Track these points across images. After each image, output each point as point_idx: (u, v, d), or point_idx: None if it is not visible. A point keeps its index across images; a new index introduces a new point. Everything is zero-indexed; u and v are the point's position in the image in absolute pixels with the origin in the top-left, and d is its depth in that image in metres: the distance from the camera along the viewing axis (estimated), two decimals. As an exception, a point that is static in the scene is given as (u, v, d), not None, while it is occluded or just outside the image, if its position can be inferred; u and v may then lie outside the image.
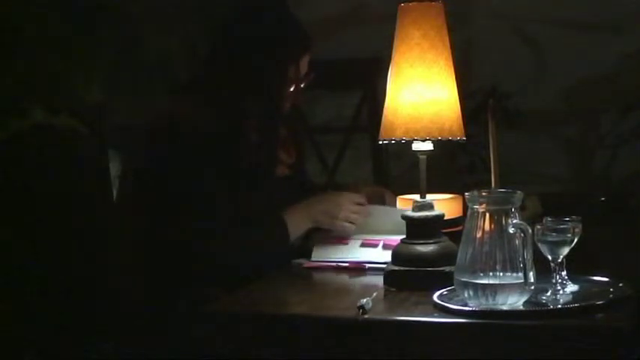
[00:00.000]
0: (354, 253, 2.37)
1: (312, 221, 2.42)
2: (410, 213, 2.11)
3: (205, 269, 2.27)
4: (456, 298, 1.89)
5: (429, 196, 2.13)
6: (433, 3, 2.13)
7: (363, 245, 2.40)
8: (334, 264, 2.33)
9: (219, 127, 2.39)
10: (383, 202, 2.62)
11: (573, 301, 1.88)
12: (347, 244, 2.41)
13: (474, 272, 1.84)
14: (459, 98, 2.13)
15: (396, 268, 2.09)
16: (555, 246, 1.91)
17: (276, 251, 2.35)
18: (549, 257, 1.92)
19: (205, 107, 2.41)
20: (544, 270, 1.90)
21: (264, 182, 2.45)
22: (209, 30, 3.96)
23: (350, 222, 2.42)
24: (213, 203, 2.32)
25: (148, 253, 2.37)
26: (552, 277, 1.91)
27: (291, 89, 2.49)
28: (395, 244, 2.18)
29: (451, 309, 1.85)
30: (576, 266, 1.95)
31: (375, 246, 2.38)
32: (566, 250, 1.91)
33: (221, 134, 2.38)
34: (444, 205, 2.25)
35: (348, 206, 2.43)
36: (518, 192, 1.88)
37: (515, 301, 1.84)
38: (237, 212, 2.34)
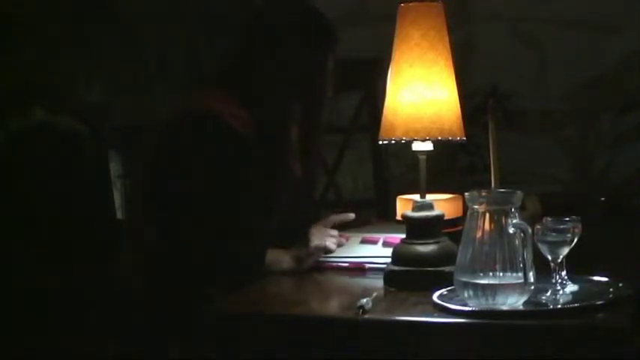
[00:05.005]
0: (354, 251, 2.37)
1: (290, 254, 2.30)
2: (410, 213, 2.11)
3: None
4: (455, 298, 1.89)
5: (429, 196, 2.13)
6: (433, 3, 2.12)
7: (363, 242, 2.40)
8: (334, 264, 2.33)
9: (258, 128, 2.33)
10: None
11: (573, 301, 1.88)
12: (346, 241, 2.41)
13: (473, 272, 1.84)
14: (459, 98, 2.13)
15: (396, 268, 2.09)
16: (555, 246, 1.91)
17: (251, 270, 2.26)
18: (549, 257, 1.91)
19: (241, 108, 2.33)
20: (544, 270, 1.90)
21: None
22: (214, 29, 3.97)
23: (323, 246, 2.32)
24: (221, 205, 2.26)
25: (153, 254, 2.34)
26: (552, 277, 1.91)
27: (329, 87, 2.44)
28: (395, 241, 2.18)
29: (451, 309, 1.85)
30: (576, 266, 1.95)
31: (374, 243, 2.38)
32: (566, 250, 1.91)
33: (261, 137, 2.33)
34: (444, 205, 2.25)
35: (318, 234, 2.34)
36: (518, 192, 1.88)
37: (515, 301, 1.84)
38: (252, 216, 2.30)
